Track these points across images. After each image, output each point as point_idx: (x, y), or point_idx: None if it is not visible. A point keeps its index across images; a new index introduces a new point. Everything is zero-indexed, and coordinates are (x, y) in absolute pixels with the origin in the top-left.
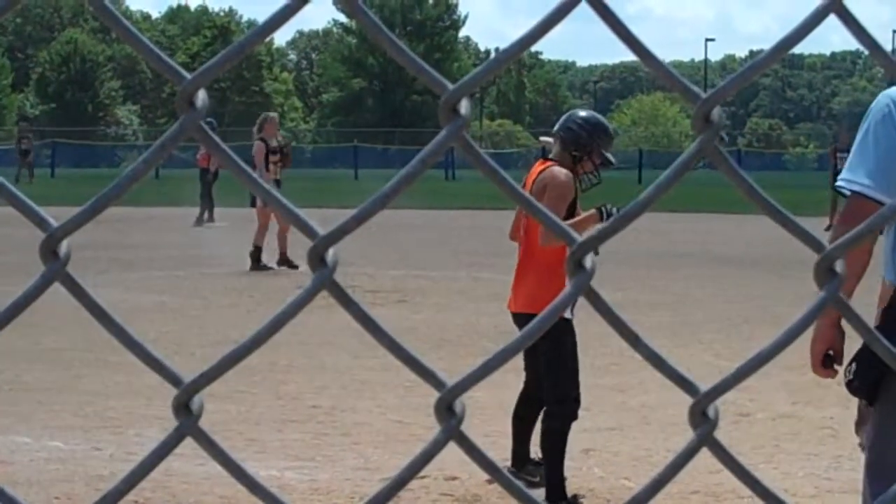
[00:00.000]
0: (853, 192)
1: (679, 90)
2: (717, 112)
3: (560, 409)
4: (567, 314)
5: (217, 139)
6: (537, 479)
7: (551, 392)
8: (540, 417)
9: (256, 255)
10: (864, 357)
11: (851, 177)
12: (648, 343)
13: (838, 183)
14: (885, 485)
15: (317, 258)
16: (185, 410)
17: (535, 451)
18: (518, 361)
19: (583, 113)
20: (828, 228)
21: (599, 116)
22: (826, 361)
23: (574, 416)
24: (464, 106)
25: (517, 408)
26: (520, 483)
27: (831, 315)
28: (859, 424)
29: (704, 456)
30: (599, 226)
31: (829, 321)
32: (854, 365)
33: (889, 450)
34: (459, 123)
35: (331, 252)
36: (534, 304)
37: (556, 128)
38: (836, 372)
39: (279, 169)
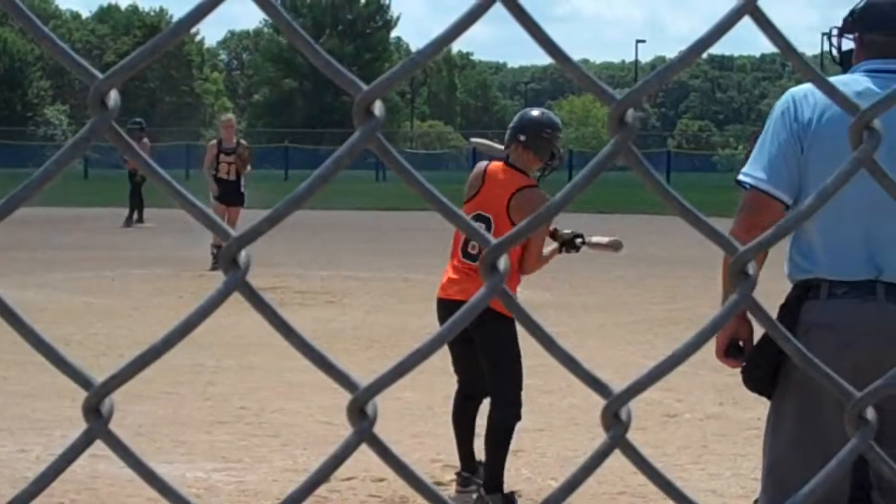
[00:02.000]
0: (748, 185)
1: (594, 92)
2: (631, 114)
3: (509, 410)
4: None
5: (129, 140)
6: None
7: (503, 392)
8: (488, 415)
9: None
10: (752, 356)
11: (749, 170)
12: (562, 345)
13: (738, 177)
14: (774, 475)
15: (229, 259)
16: (94, 413)
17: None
18: (442, 363)
19: (544, 116)
20: None
21: (551, 114)
22: (731, 351)
23: (518, 418)
24: (378, 107)
25: (457, 409)
26: (434, 486)
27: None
28: None
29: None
30: (513, 231)
31: None
32: (746, 362)
33: (780, 444)
34: (373, 124)
35: (243, 253)
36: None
37: (524, 139)
38: (741, 362)
39: (233, 169)
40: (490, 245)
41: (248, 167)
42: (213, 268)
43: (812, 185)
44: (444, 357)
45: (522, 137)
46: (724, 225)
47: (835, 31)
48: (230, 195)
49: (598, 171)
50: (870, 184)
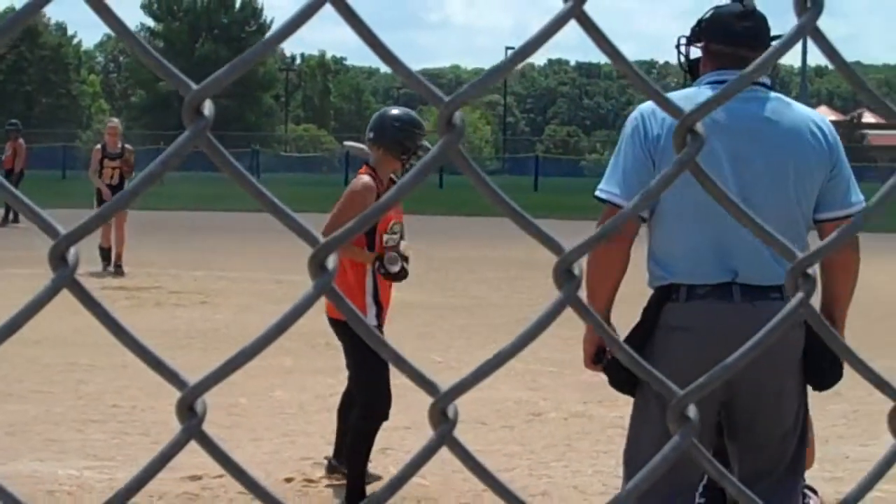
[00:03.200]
0: (603, 200)
1: (424, 94)
2: (459, 116)
3: (372, 411)
4: (372, 321)
5: None
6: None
7: (365, 393)
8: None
9: (105, 255)
10: (612, 357)
11: (604, 186)
12: (391, 344)
13: (595, 192)
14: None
15: (58, 257)
16: None
17: None
18: (323, 362)
19: (395, 111)
20: None
21: (410, 112)
22: (597, 358)
23: (385, 417)
24: (207, 107)
25: (343, 405)
26: (264, 484)
27: (601, 314)
28: None
29: (494, 456)
30: (342, 229)
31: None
32: (606, 363)
33: (641, 441)
34: (202, 124)
35: (72, 251)
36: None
37: (372, 135)
38: None
39: (117, 174)
40: (318, 244)
41: (133, 172)
42: (105, 269)
43: (666, 196)
44: (315, 357)
45: (371, 135)
46: (592, 227)
47: (683, 41)
48: None
49: (426, 173)
50: None
